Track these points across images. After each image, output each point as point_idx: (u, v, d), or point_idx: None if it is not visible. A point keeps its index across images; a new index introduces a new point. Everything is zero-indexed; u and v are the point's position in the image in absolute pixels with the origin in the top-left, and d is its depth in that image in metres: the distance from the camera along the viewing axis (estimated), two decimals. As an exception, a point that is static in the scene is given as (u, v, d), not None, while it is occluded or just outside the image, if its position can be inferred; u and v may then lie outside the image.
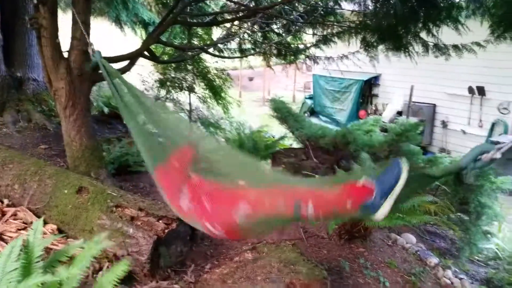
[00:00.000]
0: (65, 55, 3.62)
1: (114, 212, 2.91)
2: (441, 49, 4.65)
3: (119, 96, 2.57)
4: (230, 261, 2.97)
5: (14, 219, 3.16)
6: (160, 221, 2.81)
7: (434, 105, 10.35)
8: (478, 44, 4.46)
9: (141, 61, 4.56)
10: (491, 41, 4.09)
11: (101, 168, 3.88)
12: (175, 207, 2.07)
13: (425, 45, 4.63)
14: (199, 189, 1.93)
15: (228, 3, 5.53)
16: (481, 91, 9.18)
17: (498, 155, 1.64)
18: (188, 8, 5.10)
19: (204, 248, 3.26)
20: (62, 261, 2.29)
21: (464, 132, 9.71)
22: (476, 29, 4.24)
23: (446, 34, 4.41)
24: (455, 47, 4.61)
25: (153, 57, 4.72)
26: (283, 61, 6.25)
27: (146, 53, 4.34)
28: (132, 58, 4.06)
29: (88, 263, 2.14)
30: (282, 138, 6.06)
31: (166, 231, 2.75)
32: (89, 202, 3.03)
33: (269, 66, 6.81)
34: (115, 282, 2.06)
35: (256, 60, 9.07)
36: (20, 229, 3.04)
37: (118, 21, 7.59)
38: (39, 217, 3.06)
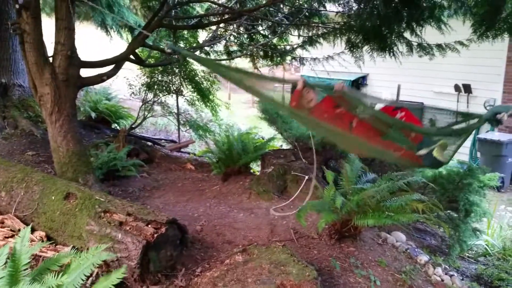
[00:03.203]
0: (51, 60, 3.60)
1: (103, 217, 2.89)
2: (425, 48, 4.69)
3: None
4: (221, 264, 2.96)
5: (2, 227, 3.13)
6: (149, 226, 2.79)
7: (422, 104, 10.44)
8: (461, 43, 4.51)
9: (128, 65, 4.54)
10: (474, 40, 4.14)
11: (89, 173, 3.86)
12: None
13: (409, 45, 4.67)
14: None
15: (213, 5, 5.54)
16: (467, 88, 9.28)
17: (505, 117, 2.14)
18: (173, 11, 5.10)
19: (194, 252, 3.25)
20: (53, 269, 2.26)
21: (451, 129, 9.80)
22: (459, 28, 4.30)
23: (430, 34, 4.46)
24: (439, 46, 4.66)
25: (139, 61, 4.70)
26: (270, 63, 6.27)
27: (132, 56, 4.33)
28: (117, 62, 4.05)
29: (88, 272, 2.12)
30: (271, 139, 6.05)
31: (155, 235, 2.73)
32: (77, 208, 3.01)
33: (256, 68, 6.82)
34: (111, 289, 2.04)
35: (243, 62, 9.08)
36: (7, 237, 3.00)
37: (103, 25, 7.56)
38: (27, 224, 3.03)
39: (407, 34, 4.53)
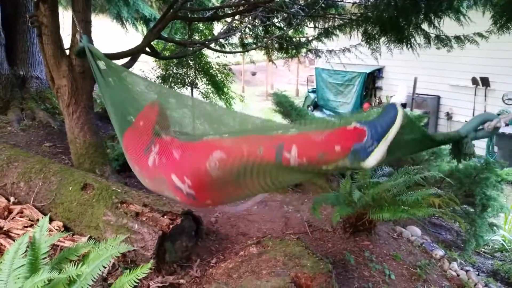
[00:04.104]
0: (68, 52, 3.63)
1: (119, 208, 2.93)
2: (443, 40, 4.61)
3: (102, 77, 2.52)
4: (235, 255, 2.98)
5: (21, 217, 3.18)
6: (165, 217, 2.82)
7: (438, 97, 10.30)
8: (480, 35, 4.42)
9: (143, 57, 4.55)
10: (494, 31, 4.05)
11: (105, 164, 3.89)
12: (139, 167, 2.01)
13: (427, 36, 4.59)
14: (170, 144, 1.83)
15: (229, -3, 5.53)
16: (485, 82, 9.12)
17: (501, 124, 1.58)
18: (189, 3, 5.09)
19: (209, 243, 3.27)
20: (71, 259, 2.30)
21: (468, 123, 9.66)
22: (478, 19, 4.21)
23: (448, 26, 4.38)
24: (457, 38, 4.58)
25: (154, 53, 4.71)
26: (285, 55, 6.24)
27: (147, 49, 4.34)
28: (133, 54, 4.06)
29: (106, 263, 2.15)
30: (285, 132, 6.05)
31: (171, 226, 2.76)
32: (94, 198, 3.05)
33: (271, 60, 6.79)
34: (135, 282, 2.06)
35: (258, 55, 9.06)
36: (26, 227, 3.06)
37: (119, 18, 7.60)
38: (45, 214, 3.08)
39: (424, 26, 4.46)
